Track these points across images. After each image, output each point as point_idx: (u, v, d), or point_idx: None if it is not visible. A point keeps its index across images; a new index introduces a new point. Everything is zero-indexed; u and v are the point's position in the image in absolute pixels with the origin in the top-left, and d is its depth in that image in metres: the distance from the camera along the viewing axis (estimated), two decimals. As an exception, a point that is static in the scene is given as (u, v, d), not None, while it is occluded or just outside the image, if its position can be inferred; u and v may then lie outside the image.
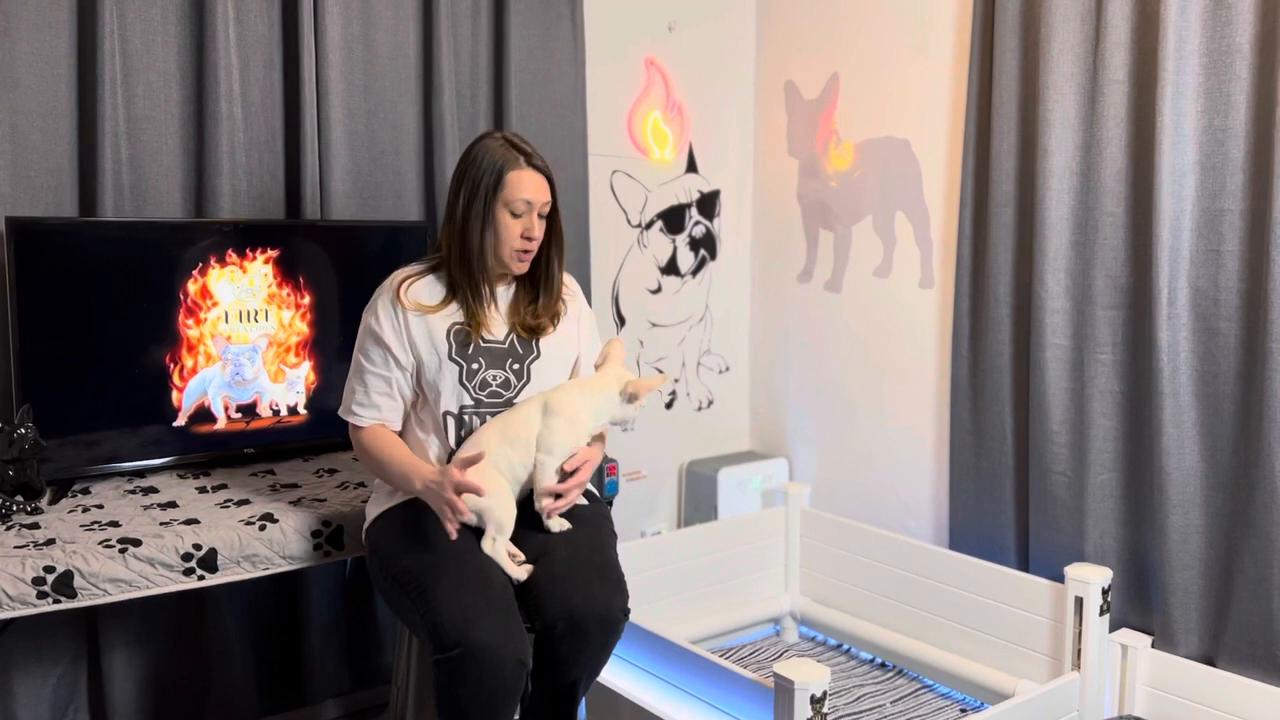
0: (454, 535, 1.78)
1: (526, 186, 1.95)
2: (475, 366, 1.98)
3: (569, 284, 2.14)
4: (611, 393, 2.01)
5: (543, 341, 2.03)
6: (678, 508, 3.58)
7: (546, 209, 2.00)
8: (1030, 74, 2.71)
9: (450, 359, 1.96)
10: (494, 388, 1.99)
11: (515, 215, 1.95)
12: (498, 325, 2.02)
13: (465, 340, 1.98)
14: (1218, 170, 2.38)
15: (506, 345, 2.01)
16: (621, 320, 3.38)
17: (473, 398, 1.97)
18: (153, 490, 2.24)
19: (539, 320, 2.03)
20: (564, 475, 1.96)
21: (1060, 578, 2.50)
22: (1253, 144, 2.33)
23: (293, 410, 2.50)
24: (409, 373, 1.99)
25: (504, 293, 2.06)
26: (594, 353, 2.15)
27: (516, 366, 2.01)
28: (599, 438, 2.09)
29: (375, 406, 1.99)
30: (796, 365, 3.54)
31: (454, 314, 1.99)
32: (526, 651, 1.77)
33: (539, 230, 1.98)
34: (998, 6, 2.76)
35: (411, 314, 1.97)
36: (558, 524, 1.95)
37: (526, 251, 1.99)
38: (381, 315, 1.98)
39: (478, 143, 2.00)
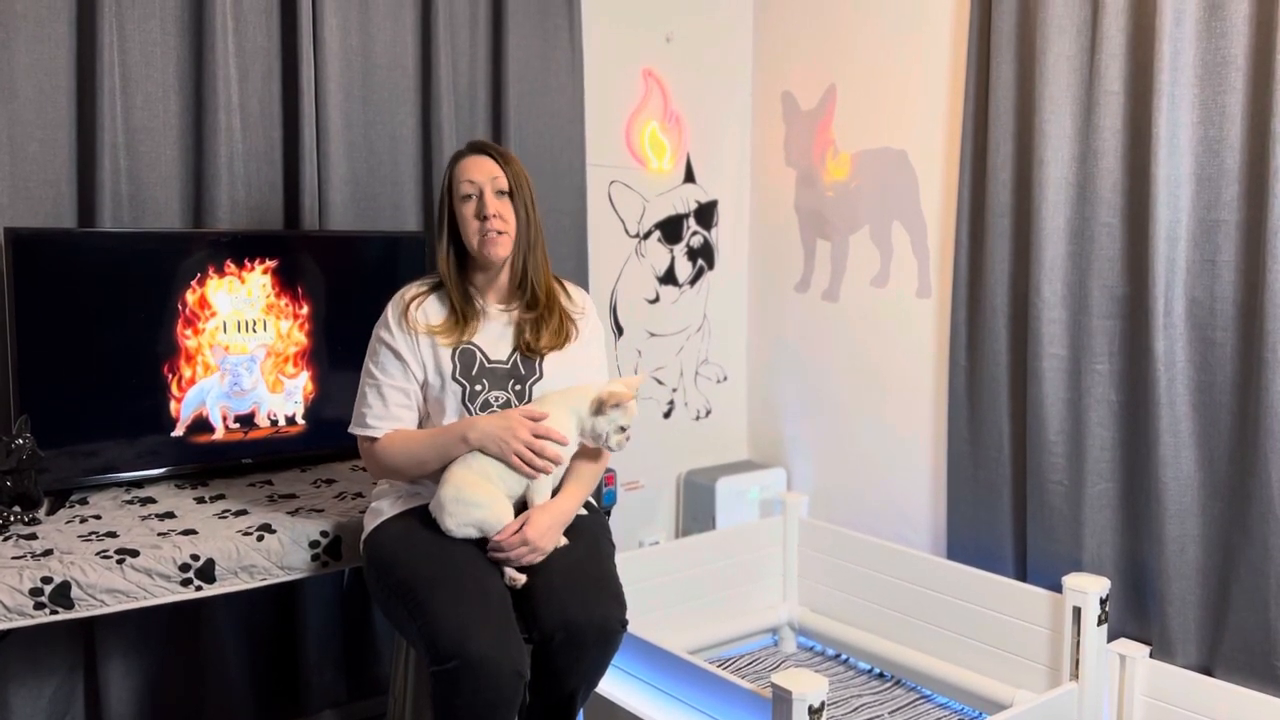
0: (548, 470, 1.90)
1: (468, 168, 2.00)
2: (479, 388, 1.98)
3: (578, 300, 2.13)
4: (584, 403, 1.96)
5: (546, 362, 2.02)
6: (676, 518, 3.58)
7: (499, 185, 1.99)
8: (1026, 85, 2.72)
9: (454, 379, 1.97)
10: (495, 409, 1.98)
11: (466, 199, 1.98)
12: (501, 346, 2.02)
13: (469, 361, 1.98)
14: (1213, 181, 2.39)
15: (509, 366, 2.01)
16: (620, 330, 3.38)
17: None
18: (150, 500, 2.24)
19: (536, 338, 2.02)
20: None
21: (1058, 587, 2.50)
22: (1248, 155, 2.34)
23: (290, 420, 2.50)
24: (420, 387, 2.00)
25: (506, 311, 2.06)
26: (603, 372, 2.12)
27: (518, 388, 2.00)
28: (591, 457, 2.05)
29: (395, 419, 1.98)
30: (794, 375, 3.54)
31: (457, 333, 1.99)
32: (524, 662, 1.77)
33: (496, 207, 1.97)
34: (994, 18, 2.77)
35: (420, 334, 1.98)
36: None
37: (494, 233, 1.97)
38: (395, 330, 1.99)
39: None
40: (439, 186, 2.74)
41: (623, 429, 1.97)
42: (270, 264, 2.44)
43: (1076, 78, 2.61)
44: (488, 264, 2.01)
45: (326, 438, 2.53)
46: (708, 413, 3.64)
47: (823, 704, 1.98)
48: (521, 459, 1.88)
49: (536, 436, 1.89)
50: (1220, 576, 2.43)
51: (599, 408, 1.95)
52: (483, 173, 1.99)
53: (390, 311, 2.02)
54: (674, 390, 3.55)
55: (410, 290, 2.04)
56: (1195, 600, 2.46)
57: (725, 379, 3.69)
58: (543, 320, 2.03)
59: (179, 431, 2.35)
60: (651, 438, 3.46)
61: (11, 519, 2.02)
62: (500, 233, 1.97)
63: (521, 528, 1.87)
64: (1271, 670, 2.32)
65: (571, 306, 2.10)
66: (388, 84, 2.74)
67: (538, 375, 2.02)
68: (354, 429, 2.02)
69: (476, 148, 2.04)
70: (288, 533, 2.05)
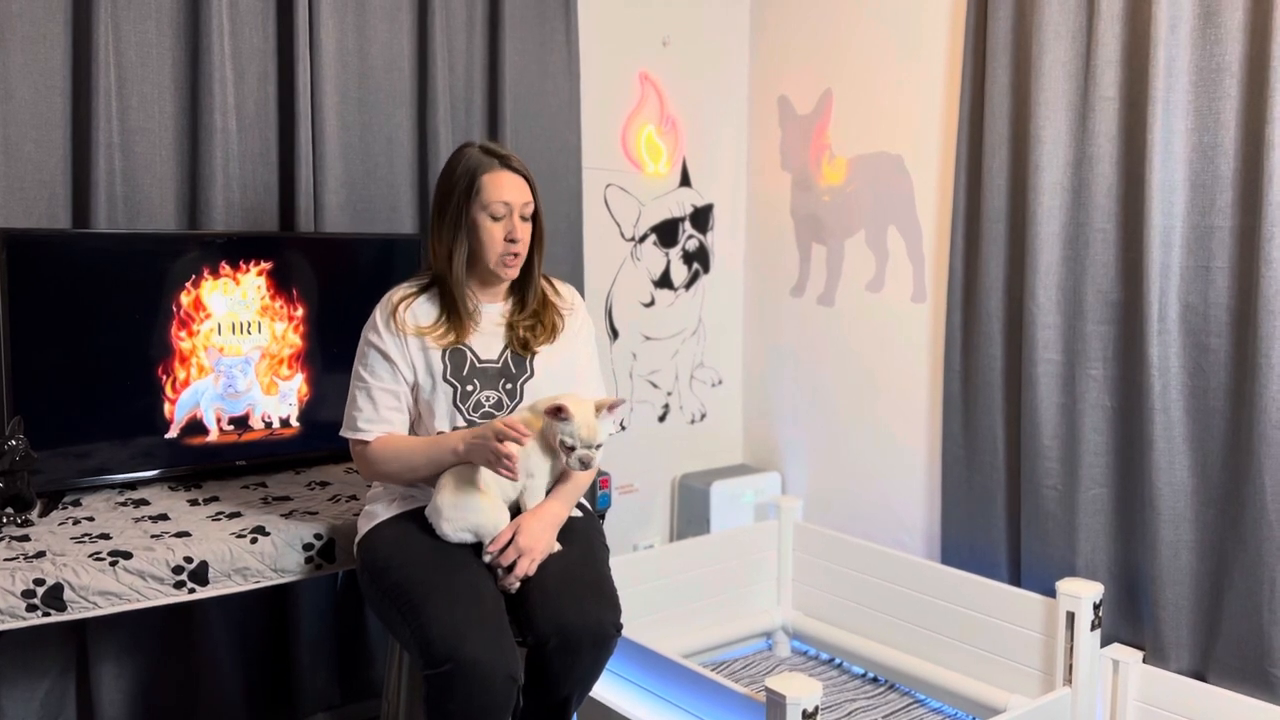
0: (518, 475, 1.84)
1: (504, 187, 1.96)
2: (470, 388, 1.98)
3: (566, 295, 2.14)
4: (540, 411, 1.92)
5: (536, 360, 2.03)
6: (670, 521, 3.58)
7: (528, 210, 1.99)
8: (1022, 90, 2.72)
9: (445, 380, 1.96)
10: (487, 409, 1.98)
11: (496, 219, 1.96)
12: (492, 345, 2.02)
13: (460, 362, 1.98)
14: (1208, 187, 2.40)
15: (500, 365, 2.01)
16: (615, 333, 3.38)
17: (465, 419, 1.97)
18: (144, 502, 2.23)
19: (532, 335, 2.03)
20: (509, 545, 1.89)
21: (1052, 592, 2.50)
22: (1242, 161, 2.35)
23: (285, 423, 2.50)
24: (411, 388, 1.99)
25: (498, 309, 2.06)
26: (595, 369, 2.13)
27: (509, 386, 2.00)
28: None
29: (385, 422, 1.97)
30: (789, 379, 3.55)
31: (448, 334, 1.99)
32: (518, 667, 1.77)
33: (522, 232, 1.98)
34: (990, 23, 2.78)
35: (409, 335, 1.97)
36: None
37: (514, 255, 1.98)
38: (384, 332, 1.98)
39: (455, 154, 2.02)
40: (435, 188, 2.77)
41: (570, 447, 1.87)
42: (265, 266, 2.44)
43: (1072, 83, 2.61)
44: (495, 279, 2.02)
45: (321, 440, 2.52)
46: (703, 416, 3.64)
47: (816, 708, 1.98)
48: (495, 458, 1.82)
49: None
50: (1214, 582, 2.43)
51: (546, 421, 1.89)
52: (518, 195, 1.97)
53: (378, 314, 2.01)
54: (669, 394, 3.55)
55: (398, 292, 2.03)
56: (1189, 605, 2.46)
57: (720, 383, 3.69)
58: (537, 321, 2.04)
59: (173, 433, 2.35)
60: (646, 441, 3.46)
61: (4, 520, 2.01)
62: (517, 255, 1.99)
63: (513, 536, 1.87)
64: (1265, 676, 2.32)
65: (560, 302, 2.11)
66: (384, 86, 2.74)
67: (529, 374, 2.02)
68: (345, 432, 2.01)
69: (506, 163, 1.98)
70: (281, 535, 2.05)
